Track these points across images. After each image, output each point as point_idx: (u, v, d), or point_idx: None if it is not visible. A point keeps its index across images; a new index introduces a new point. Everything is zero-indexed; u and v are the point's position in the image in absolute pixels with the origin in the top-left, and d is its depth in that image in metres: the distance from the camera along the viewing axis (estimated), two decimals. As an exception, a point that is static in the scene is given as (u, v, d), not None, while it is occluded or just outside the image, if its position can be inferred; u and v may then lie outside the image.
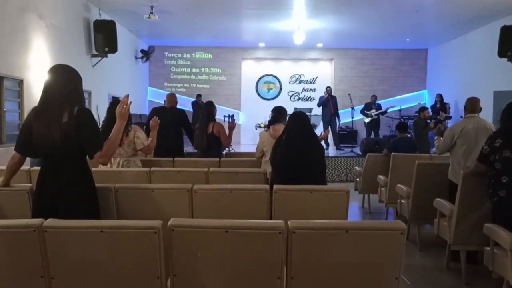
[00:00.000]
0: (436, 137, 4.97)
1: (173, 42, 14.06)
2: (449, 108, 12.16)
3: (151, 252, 2.01)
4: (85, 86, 2.93)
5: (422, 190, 4.90)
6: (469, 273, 3.98)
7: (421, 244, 4.96)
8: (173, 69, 14.80)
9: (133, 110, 4.45)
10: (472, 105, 4.62)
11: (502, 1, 8.79)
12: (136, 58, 13.21)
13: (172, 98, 6.09)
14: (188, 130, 5.99)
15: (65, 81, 2.68)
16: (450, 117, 11.53)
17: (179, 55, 14.77)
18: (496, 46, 9.55)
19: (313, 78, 15.04)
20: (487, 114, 8.64)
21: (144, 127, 5.18)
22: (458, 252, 4.12)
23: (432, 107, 12.20)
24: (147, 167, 4.20)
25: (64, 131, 2.57)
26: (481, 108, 4.66)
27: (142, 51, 13.38)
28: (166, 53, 14.69)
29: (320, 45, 14.03)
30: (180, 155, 5.53)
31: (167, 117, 5.57)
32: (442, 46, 13.58)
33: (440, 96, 12.22)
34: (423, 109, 9.05)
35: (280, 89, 15.08)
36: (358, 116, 12.39)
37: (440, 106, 12.10)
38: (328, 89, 12.16)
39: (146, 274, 2.06)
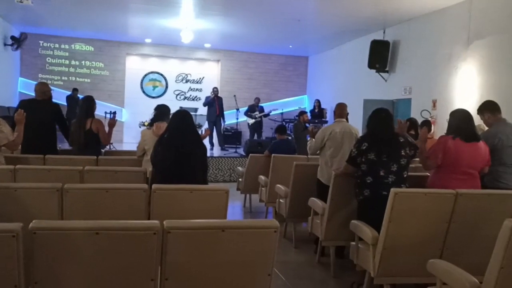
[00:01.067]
0: (309, 138, 5.27)
1: (50, 31, 13.00)
2: (326, 113, 13.04)
3: (8, 258, 1.82)
4: None
5: (298, 190, 5.16)
6: (337, 267, 4.29)
7: (297, 241, 5.23)
8: (49, 59, 13.69)
9: (-2, 101, 4.03)
10: (341, 111, 5.01)
11: (373, 17, 9.67)
12: (5, 45, 11.96)
13: (43, 88, 5.48)
14: (63, 125, 5.58)
15: None
16: (326, 121, 12.36)
17: (56, 45, 13.71)
18: (366, 58, 10.48)
19: (200, 78, 15.04)
20: (357, 120, 9.45)
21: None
22: (329, 247, 4.42)
23: (311, 111, 12.99)
24: (12, 165, 3.82)
25: None
26: (347, 113, 5.07)
27: (13, 37, 12.13)
28: (41, 42, 13.54)
29: (207, 45, 14.08)
30: (52, 152, 5.12)
31: (39, 111, 5.13)
32: (321, 55, 14.50)
33: (318, 102, 13.04)
34: (302, 113, 9.54)
35: (166, 87, 14.82)
36: (243, 118, 12.68)
37: (318, 111, 12.92)
38: (215, 90, 12.25)
39: (2, 283, 1.86)
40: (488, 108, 4.32)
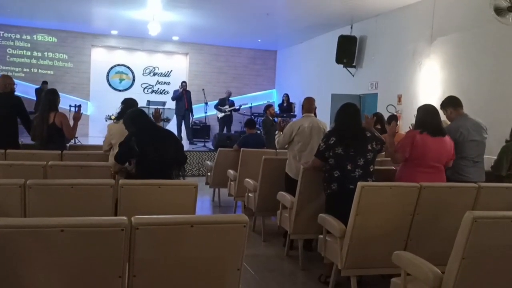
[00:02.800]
0: (277, 132, 5.29)
1: (10, 20, 12.50)
2: (295, 107, 13.13)
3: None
4: None
5: (267, 184, 5.18)
6: (305, 260, 4.34)
7: (265, 235, 5.26)
8: (9, 50, 13.20)
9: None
10: (309, 105, 5.04)
11: (340, 12, 9.76)
12: (-38, 34, 11.48)
13: (5, 81, 5.35)
14: (25, 119, 5.42)
15: None
16: (295, 115, 12.44)
17: (17, 36, 13.22)
18: (334, 53, 10.58)
19: (168, 71, 14.84)
20: (325, 114, 9.56)
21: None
22: (297, 240, 4.47)
23: (279, 105, 13.05)
24: (-30, 160, 3.69)
25: None
26: (316, 108, 5.11)
27: (-29, 27, 11.68)
28: (1, 32, 13.03)
29: (176, 38, 13.90)
30: (14, 146, 4.96)
31: (-1, 104, 4.98)
32: (290, 49, 14.56)
33: (287, 96, 13.11)
34: (268, 106, 9.43)
35: (133, 80, 14.55)
36: (212, 112, 12.60)
37: (287, 105, 13.00)
38: (183, 84, 12.11)
39: (-38, 283, 1.80)
40: (451, 103, 4.44)
